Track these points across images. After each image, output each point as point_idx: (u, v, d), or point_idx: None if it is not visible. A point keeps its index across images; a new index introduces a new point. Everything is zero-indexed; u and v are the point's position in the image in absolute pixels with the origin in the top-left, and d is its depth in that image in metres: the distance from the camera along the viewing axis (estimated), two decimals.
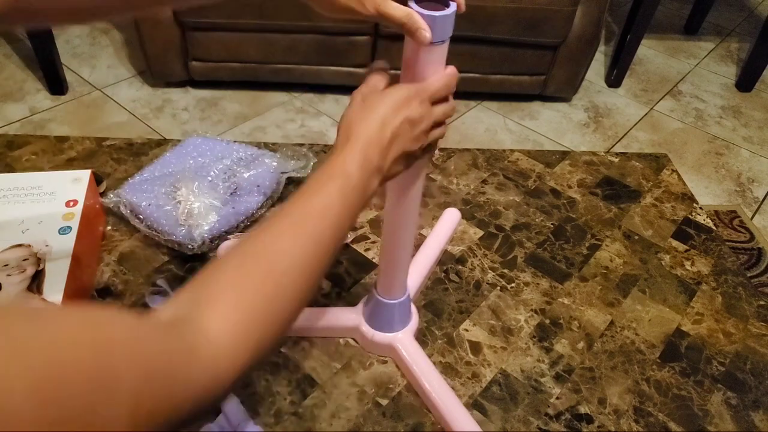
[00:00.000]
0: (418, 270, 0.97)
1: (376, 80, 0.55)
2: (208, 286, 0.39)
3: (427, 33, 0.48)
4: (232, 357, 0.38)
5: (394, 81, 0.55)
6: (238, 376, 0.39)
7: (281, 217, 0.44)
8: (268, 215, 1.09)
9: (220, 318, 0.37)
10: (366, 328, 0.87)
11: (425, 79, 0.53)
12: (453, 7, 0.50)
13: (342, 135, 0.49)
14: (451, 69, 0.54)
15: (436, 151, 1.30)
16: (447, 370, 0.88)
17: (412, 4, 0.49)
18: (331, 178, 0.46)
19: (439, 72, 0.54)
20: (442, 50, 0.53)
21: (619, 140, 1.42)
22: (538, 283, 1.03)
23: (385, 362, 0.88)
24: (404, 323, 0.87)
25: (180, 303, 0.39)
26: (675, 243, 1.13)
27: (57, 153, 1.20)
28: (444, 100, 0.55)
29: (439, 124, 0.55)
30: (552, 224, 1.15)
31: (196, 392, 0.34)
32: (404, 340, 0.86)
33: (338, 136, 0.50)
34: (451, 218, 1.09)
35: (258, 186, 1.07)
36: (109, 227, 1.05)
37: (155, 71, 1.39)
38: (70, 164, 1.17)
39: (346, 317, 0.90)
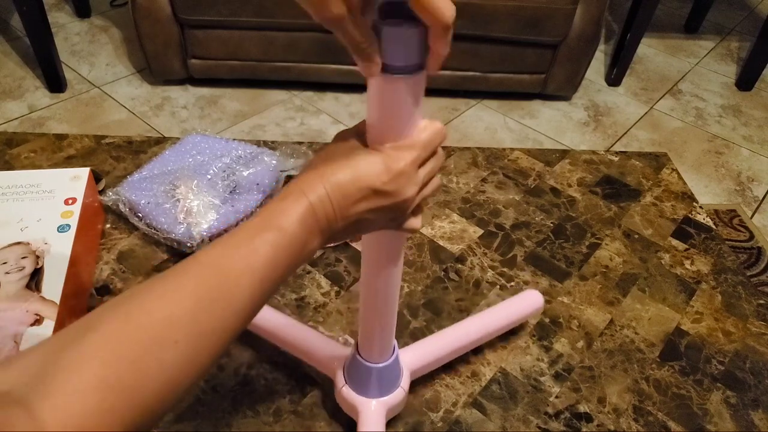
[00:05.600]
0: (443, 345, 0.82)
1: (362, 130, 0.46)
2: (70, 348, 0.30)
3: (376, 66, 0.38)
4: None
5: None
6: None
7: (190, 268, 0.36)
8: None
9: (69, 402, 0.28)
10: (339, 376, 0.74)
11: (396, 121, 0.43)
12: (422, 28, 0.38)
13: (301, 177, 0.42)
14: (437, 125, 0.45)
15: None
16: (446, 368, 0.88)
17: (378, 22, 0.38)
18: (264, 230, 0.39)
19: (415, 113, 0.43)
20: (416, 84, 0.41)
21: (619, 139, 1.42)
22: (537, 282, 1.02)
23: None
24: (382, 391, 0.72)
25: (24, 369, 0.29)
26: (675, 242, 1.13)
27: (56, 151, 1.20)
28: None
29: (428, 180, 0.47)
30: (552, 223, 1.14)
31: None
32: (372, 413, 0.71)
33: (300, 174, 0.43)
34: (529, 302, 0.91)
35: (257, 184, 1.07)
36: (108, 225, 1.04)
37: (154, 69, 1.39)
38: (69, 162, 1.17)
39: (331, 353, 0.78)
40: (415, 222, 0.48)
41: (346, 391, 0.72)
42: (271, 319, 0.84)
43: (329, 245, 0.93)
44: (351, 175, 0.41)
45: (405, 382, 0.74)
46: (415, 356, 0.79)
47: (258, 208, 1.07)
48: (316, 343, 0.81)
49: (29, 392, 0.28)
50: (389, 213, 0.44)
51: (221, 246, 0.38)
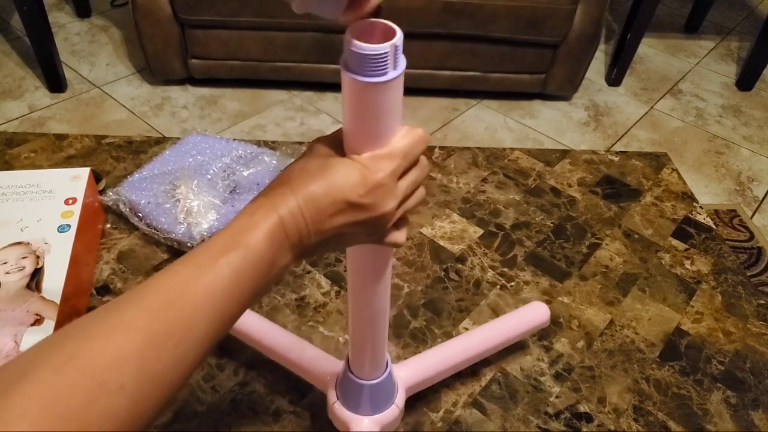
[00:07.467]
0: (440, 361, 0.79)
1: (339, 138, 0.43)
2: (7, 397, 0.27)
3: None
4: None
5: None
6: None
7: (143, 297, 0.33)
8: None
9: None
10: (331, 392, 0.71)
11: (372, 128, 0.40)
12: (399, 36, 0.36)
13: (272, 188, 0.39)
14: (418, 132, 0.42)
15: (437, 149, 1.29)
16: None
17: (353, 41, 0.36)
18: (230, 248, 0.36)
19: (393, 119, 0.40)
20: (392, 88, 0.38)
21: (620, 139, 1.42)
22: (537, 282, 1.02)
23: None
24: (375, 409, 0.70)
25: None
26: (675, 242, 1.13)
27: (56, 151, 1.20)
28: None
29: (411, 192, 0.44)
30: (552, 223, 1.14)
31: None
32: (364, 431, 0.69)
33: (271, 185, 0.40)
34: (534, 314, 0.87)
35: (258, 184, 1.07)
36: (108, 225, 1.05)
37: (155, 69, 1.39)
38: (69, 162, 1.17)
39: (323, 368, 0.75)
40: (398, 236, 0.45)
41: (337, 408, 0.70)
42: (262, 329, 0.82)
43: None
44: (325, 187, 0.38)
45: (400, 399, 0.72)
46: (411, 372, 0.76)
47: None
48: (308, 356, 0.78)
49: None
50: (367, 227, 0.41)
51: (180, 269, 0.35)
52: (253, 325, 0.83)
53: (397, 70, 0.38)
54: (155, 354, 0.31)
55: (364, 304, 0.58)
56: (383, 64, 0.36)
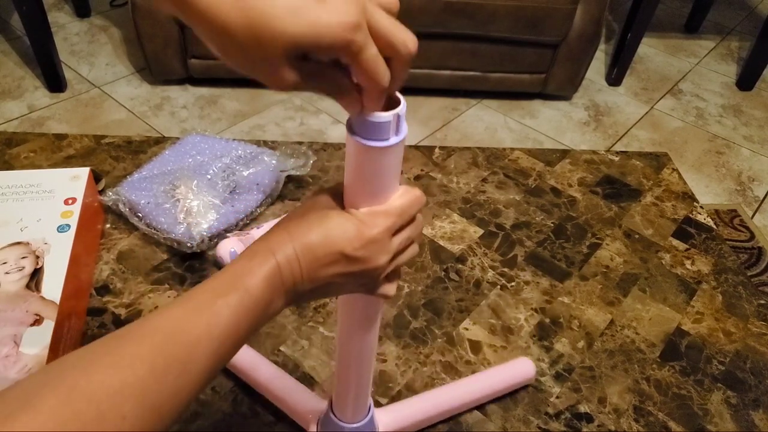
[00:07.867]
0: (423, 410, 0.79)
1: (335, 194, 0.44)
2: (10, 425, 0.28)
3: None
4: None
5: None
6: None
7: (145, 333, 0.34)
8: (264, 212, 1.09)
9: None
10: (313, 429, 0.73)
11: (372, 187, 0.42)
12: (402, 106, 0.39)
13: (271, 234, 0.41)
14: (415, 193, 0.44)
15: (436, 149, 1.29)
16: (446, 369, 0.88)
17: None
18: (228, 291, 0.37)
19: (393, 180, 0.42)
20: (394, 152, 0.41)
21: (620, 139, 1.42)
22: (538, 282, 1.02)
23: (384, 361, 0.88)
24: None
25: None
26: (675, 242, 1.13)
27: (56, 150, 1.19)
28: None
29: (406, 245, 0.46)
30: (552, 223, 1.14)
31: None
32: None
33: (271, 231, 0.42)
34: (520, 370, 0.86)
35: (257, 184, 1.07)
36: (107, 225, 1.04)
37: (154, 69, 1.38)
38: (68, 162, 1.17)
39: (305, 405, 0.76)
40: (388, 288, 0.47)
41: None
42: (250, 362, 0.82)
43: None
44: (322, 237, 0.41)
45: None
46: (393, 419, 0.76)
47: (258, 208, 1.07)
48: (290, 392, 0.79)
49: None
50: (359, 279, 0.43)
51: (181, 308, 0.36)
52: (238, 355, 0.81)
53: (398, 136, 0.40)
54: (156, 386, 0.33)
55: (351, 351, 0.59)
56: (386, 130, 0.39)
